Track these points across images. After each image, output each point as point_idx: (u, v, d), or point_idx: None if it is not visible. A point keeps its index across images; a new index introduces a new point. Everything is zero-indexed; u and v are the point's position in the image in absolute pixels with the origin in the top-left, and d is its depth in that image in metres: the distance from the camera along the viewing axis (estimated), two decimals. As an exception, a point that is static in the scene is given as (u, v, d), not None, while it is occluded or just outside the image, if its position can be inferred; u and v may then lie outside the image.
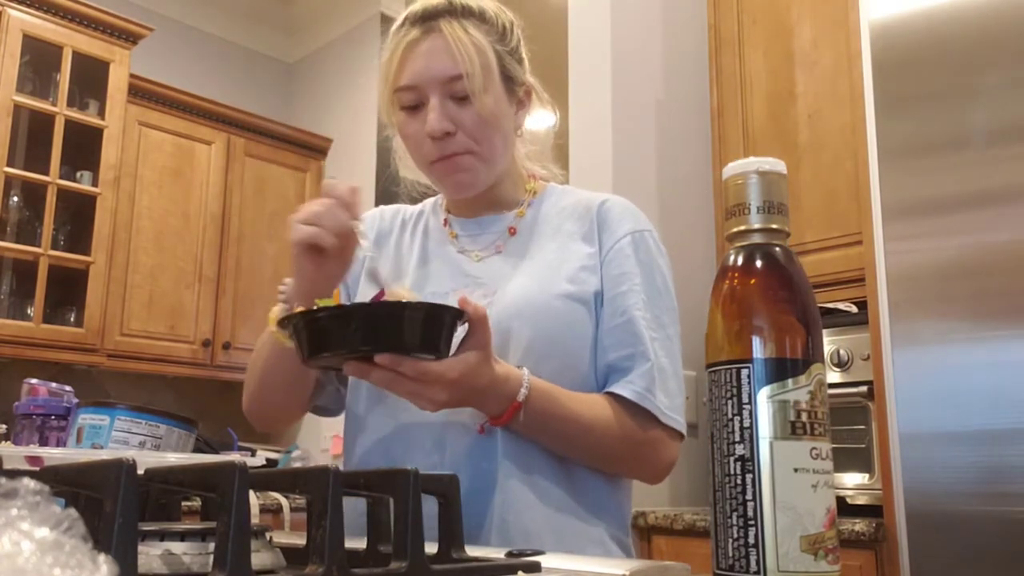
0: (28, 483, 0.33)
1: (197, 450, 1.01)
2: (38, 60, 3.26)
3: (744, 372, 0.50)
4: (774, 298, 0.52)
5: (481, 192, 1.12)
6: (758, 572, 0.48)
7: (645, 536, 2.09)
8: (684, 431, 1.04)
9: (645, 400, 1.00)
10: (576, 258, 1.06)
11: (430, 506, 0.61)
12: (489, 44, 1.04)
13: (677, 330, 1.08)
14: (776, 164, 0.55)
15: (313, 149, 4.11)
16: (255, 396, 1.11)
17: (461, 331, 0.87)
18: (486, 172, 1.08)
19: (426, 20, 1.04)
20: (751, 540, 0.48)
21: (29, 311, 3.15)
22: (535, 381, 0.95)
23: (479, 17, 1.05)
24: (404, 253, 1.16)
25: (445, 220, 1.16)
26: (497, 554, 0.65)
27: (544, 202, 1.14)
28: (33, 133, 3.24)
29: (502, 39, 1.07)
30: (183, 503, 0.78)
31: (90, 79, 3.36)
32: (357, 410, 1.10)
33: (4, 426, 2.68)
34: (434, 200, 1.22)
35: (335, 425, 3.81)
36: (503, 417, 0.94)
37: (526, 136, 1.17)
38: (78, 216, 3.34)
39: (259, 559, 0.55)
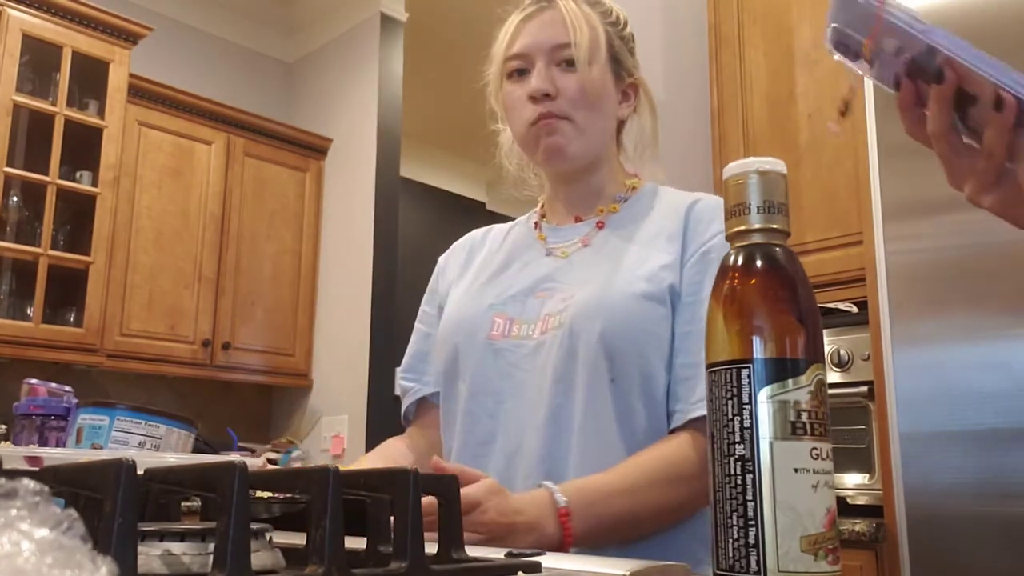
0: (28, 483, 0.33)
1: (197, 450, 1.01)
2: (38, 60, 3.26)
3: (744, 372, 0.50)
4: (774, 298, 0.52)
5: (579, 179, 1.11)
6: (758, 572, 0.48)
7: (645, 536, 2.09)
8: None
9: None
10: (657, 257, 1.03)
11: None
12: (602, 24, 1.08)
13: None
14: (776, 164, 0.55)
15: (313, 149, 4.11)
16: None
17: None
18: (580, 143, 1.07)
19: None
20: (751, 540, 0.48)
21: (29, 311, 3.15)
22: (563, 486, 0.89)
23: (594, 2, 1.10)
24: (485, 262, 1.17)
25: (536, 223, 1.17)
26: (497, 554, 0.64)
27: (639, 201, 1.12)
28: (33, 133, 3.24)
29: (615, 24, 1.11)
30: (183, 503, 0.78)
31: (90, 79, 3.36)
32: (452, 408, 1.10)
33: (4, 426, 2.68)
34: (529, 213, 1.22)
35: (335, 425, 3.82)
36: (566, 531, 0.86)
37: (633, 134, 1.17)
38: (78, 216, 3.34)
39: (259, 559, 0.55)
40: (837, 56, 0.69)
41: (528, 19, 1.08)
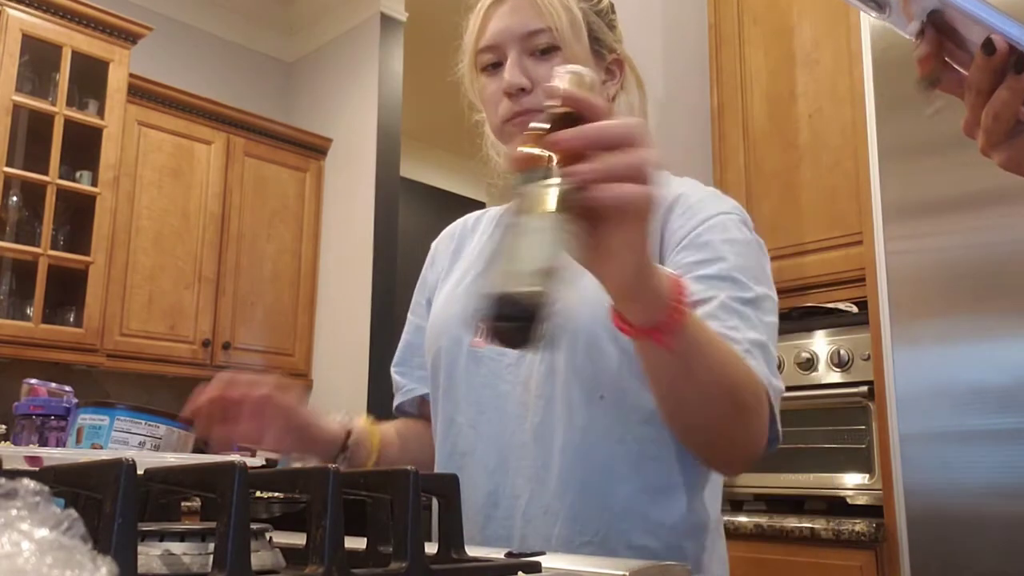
0: (28, 483, 0.33)
1: (197, 450, 1.01)
2: (38, 60, 3.26)
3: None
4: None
5: None
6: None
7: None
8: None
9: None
10: None
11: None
12: (576, 1, 1.01)
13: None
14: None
15: (313, 149, 4.11)
16: None
17: None
18: None
19: None
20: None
21: (29, 311, 3.15)
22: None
23: None
24: (470, 249, 1.14)
25: None
26: (497, 554, 0.64)
27: None
28: (33, 133, 3.24)
29: None
30: (183, 503, 0.78)
31: (90, 79, 3.36)
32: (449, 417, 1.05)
33: (4, 426, 2.68)
34: None
35: (335, 425, 3.82)
36: (668, 322, 0.69)
37: (623, 111, 1.09)
38: (77, 216, 3.34)
39: (259, 559, 0.55)
40: None
41: (497, 4, 1.01)
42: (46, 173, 3.18)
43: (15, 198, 3.22)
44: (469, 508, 0.96)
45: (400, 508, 0.56)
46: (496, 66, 1.01)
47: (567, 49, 0.98)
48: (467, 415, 1.00)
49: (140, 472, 0.49)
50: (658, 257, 0.94)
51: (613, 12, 1.08)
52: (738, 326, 0.86)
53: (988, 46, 0.62)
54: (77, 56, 3.28)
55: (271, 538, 0.60)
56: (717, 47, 2.46)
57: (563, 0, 0.99)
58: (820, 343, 2.00)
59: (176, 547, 0.53)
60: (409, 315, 1.20)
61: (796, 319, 2.08)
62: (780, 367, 2.04)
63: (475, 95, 1.08)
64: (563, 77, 0.65)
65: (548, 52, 0.99)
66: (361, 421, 1.08)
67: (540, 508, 0.93)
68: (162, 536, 0.53)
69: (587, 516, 0.91)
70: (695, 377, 0.76)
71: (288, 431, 0.97)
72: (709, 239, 0.93)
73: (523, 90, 0.98)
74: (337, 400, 3.84)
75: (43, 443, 1.35)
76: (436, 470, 1.04)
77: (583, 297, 0.94)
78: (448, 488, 0.65)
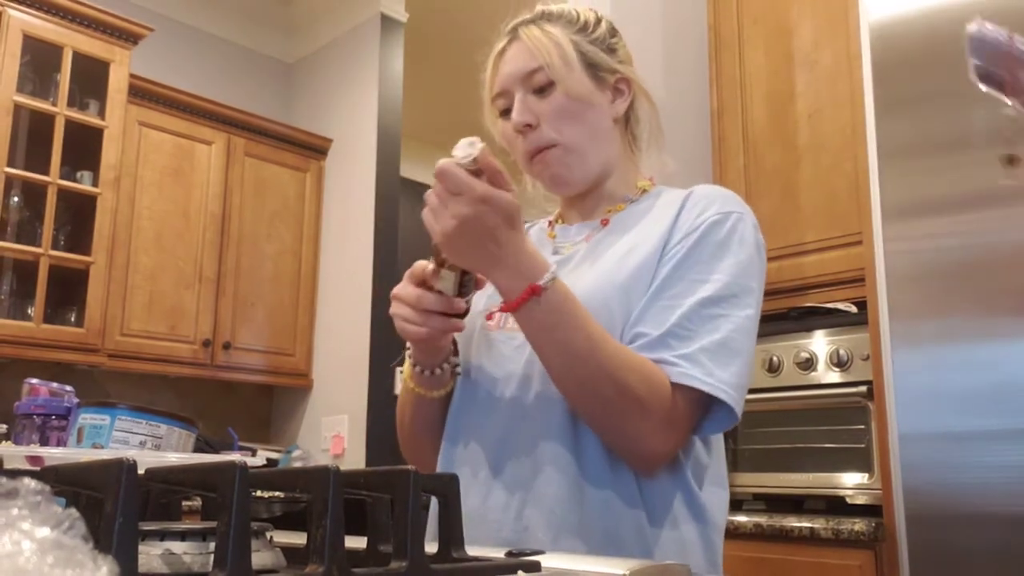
0: (29, 483, 0.33)
1: (197, 450, 1.02)
2: (38, 60, 3.26)
3: None
4: None
5: (587, 194, 1.14)
6: None
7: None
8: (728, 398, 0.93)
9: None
10: (646, 248, 1.03)
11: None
12: (566, 36, 1.10)
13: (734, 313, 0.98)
14: None
15: (313, 149, 4.11)
16: (409, 445, 1.16)
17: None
18: (578, 163, 1.09)
19: (511, 32, 1.13)
20: None
21: (29, 311, 3.15)
22: (561, 283, 0.92)
23: (557, 17, 1.12)
24: None
25: (551, 222, 1.21)
26: (497, 554, 0.65)
27: (645, 201, 1.14)
28: (33, 133, 3.24)
29: (583, 30, 1.12)
30: (184, 503, 0.79)
31: (90, 79, 3.36)
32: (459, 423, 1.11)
33: (5, 426, 2.68)
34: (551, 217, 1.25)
35: (335, 425, 3.82)
36: (517, 300, 0.90)
37: (640, 125, 1.18)
38: (78, 216, 3.34)
39: (259, 559, 0.55)
40: (985, 88, 0.71)
41: (501, 55, 1.13)
42: (47, 173, 3.18)
43: (16, 198, 3.22)
44: (479, 468, 1.04)
45: (400, 508, 0.56)
46: (508, 110, 1.11)
47: (562, 82, 1.07)
48: (477, 393, 1.07)
49: (141, 472, 0.49)
50: (663, 248, 1.03)
51: (613, 36, 1.16)
52: (693, 333, 0.95)
53: None
54: (78, 56, 3.28)
55: (271, 538, 0.60)
56: (717, 48, 2.47)
57: (553, 38, 1.09)
58: (819, 343, 2.00)
59: (177, 546, 0.53)
60: None
61: (796, 319, 2.08)
62: (779, 367, 2.04)
63: (500, 139, 1.16)
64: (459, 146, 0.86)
65: (547, 88, 1.08)
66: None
67: (543, 461, 0.99)
68: (163, 535, 0.54)
69: (584, 472, 0.98)
70: (552, 352, 0.93)
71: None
72: (706, 238, 1.02)
73: (529, 126, 1.08)
74: (337, 400, 3.84)
75: (44, 443, 1.35)
76: (446, 437, 1.09)
77: (585, 283, 1.03)
78: (448, 488, 0.65)
